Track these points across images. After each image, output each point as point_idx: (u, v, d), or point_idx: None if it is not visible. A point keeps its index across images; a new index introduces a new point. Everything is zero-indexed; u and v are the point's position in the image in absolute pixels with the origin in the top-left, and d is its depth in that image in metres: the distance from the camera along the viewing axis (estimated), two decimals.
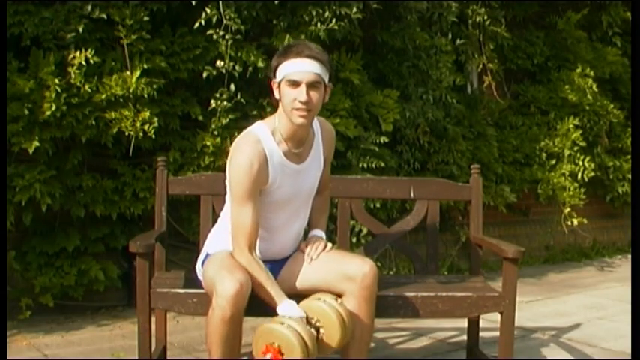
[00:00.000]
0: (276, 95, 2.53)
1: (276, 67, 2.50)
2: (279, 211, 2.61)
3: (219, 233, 2.68)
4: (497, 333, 2.78)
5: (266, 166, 2.49)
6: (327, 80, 2.51)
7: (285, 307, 2.43)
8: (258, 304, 2.47)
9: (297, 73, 2.44)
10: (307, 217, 2.75)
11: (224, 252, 2.58)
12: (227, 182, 2.55)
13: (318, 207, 2.82)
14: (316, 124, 2.67)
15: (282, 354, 2.30)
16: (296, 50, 2.46)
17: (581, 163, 5.93)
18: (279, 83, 2.49)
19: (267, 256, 2.63)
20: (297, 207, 2.66)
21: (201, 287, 2.61)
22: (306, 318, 2.40)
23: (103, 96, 3.74)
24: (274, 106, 2.63)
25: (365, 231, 4.45)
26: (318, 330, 2.40)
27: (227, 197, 2.62)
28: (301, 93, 2.43)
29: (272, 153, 2.51)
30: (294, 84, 2.44)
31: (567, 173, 5.83)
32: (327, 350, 2.45)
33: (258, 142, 2.50)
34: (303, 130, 2.56)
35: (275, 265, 2.66)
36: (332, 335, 2.41)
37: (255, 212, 2.49)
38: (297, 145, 2.58)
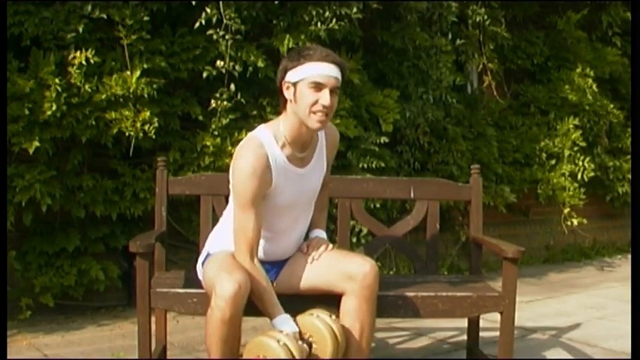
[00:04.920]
0: (288, 96, 2.47)
1: (292, 67, 2.44)
2: (283, 215, 2.61)
3: (221, 233, 2.68)
4: (497, 333, 2.78)
5: (269, 171, 2.48)
6: None
7: (280, 321, 2.43)
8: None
9: (323, 76, 2.41)
10: (309, 219, 2.75)
11: (224, 252, 2.58)
12: (231, 187, 2.55)
13: (318, 205, 2.81)
14: None
15: None
16: (320, 52, 2.44)
17: (581, 163, 5.93)
18: (296, 84, 2.44)
19: (271, 257, 2.64)
20: (301, 210, 2.66)
21: (201, 287, 2.61)
22: (300, 333, 2.41)
23: (103, 96, 3.74)
24: (277, 107, 2.61)
25: (365, 231, 4.45)
26: (310, 345, 2.42)
27: (230, 198, 2.63)
28: (325, 97, 2.41)
29: (275, 157, 2.49)
30: (318, 87, 2.41)
31: (567, 173, 5.84)
32: None
33: (261, 146, 2.48)
34: (309, 134, 2.54)
35: (277, 266, 2.67)
36: (323, 351, 2.41)
37: (258, 218, 2.48)
38: (301, 148, 2.56)
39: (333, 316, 2.49)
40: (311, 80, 2.41)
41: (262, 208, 2.50)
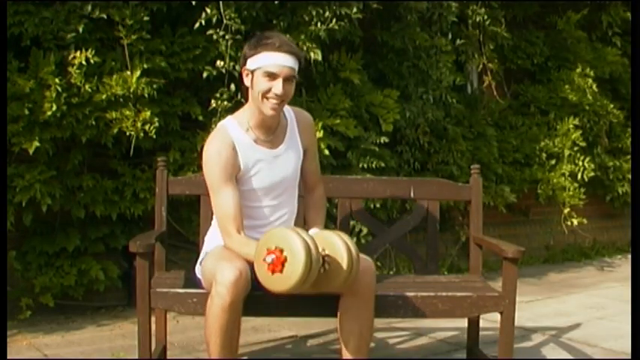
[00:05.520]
0: (246, 82, 2.58)
1: (251, 56, 2.53)
2: (264, 200, 2.64)
3: (215, 232, 2.69)
4: (497, 333, 2.78)
5: (235, 153, 2.56)
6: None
7: None
8: (258, 304, 2.47)
9: (276, 66, 2.49)
10: (295, 208, 2.76)
11: (220, 246, 2.60)
12: (206, 180, 2.59)
13: (313, 205, 2.82)
14: (289, 111, 2.72)
15: (285, 258, 2.27)
16: (274, 43, 2.50)
17: (581, 163, 5.93)
18: (253, 72, 2.53)
19: None
20: (282, 195, 2.68)
21: (200, 287, 2.62)
22: None
23: (104, 96, 3.74)
24: (244, 96, 2.65)
25: (365, 231, 4.45)
26: (323, 260, 2.36)
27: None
28: (278, 87, 2.50)
29: (240, 140, 2.58)
30: (272, 76, 2.50)
31: (567, 173, 5.84)
32: (331, 284, 2.41)
33: (225, 132, 2.58)
34: (272, 119, 2.61)
35: None
36: (338, 263, 2.37)
37: (235, 196, 2.52)
38: (267, 132, 2.63)
39: (346, 236, 2.46)
40: (265, 70, 2.50)
41: (238, 190, 2.54)
